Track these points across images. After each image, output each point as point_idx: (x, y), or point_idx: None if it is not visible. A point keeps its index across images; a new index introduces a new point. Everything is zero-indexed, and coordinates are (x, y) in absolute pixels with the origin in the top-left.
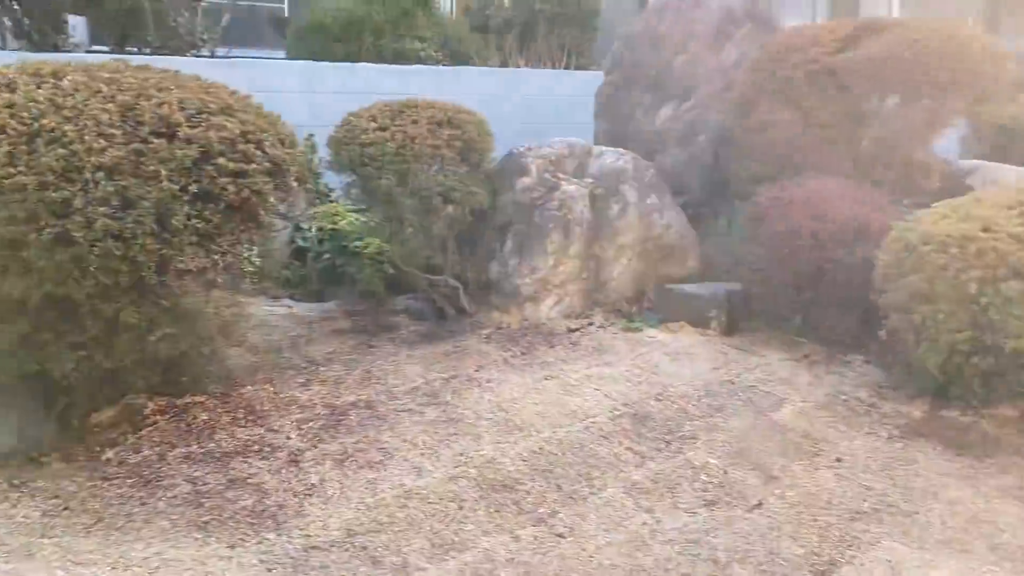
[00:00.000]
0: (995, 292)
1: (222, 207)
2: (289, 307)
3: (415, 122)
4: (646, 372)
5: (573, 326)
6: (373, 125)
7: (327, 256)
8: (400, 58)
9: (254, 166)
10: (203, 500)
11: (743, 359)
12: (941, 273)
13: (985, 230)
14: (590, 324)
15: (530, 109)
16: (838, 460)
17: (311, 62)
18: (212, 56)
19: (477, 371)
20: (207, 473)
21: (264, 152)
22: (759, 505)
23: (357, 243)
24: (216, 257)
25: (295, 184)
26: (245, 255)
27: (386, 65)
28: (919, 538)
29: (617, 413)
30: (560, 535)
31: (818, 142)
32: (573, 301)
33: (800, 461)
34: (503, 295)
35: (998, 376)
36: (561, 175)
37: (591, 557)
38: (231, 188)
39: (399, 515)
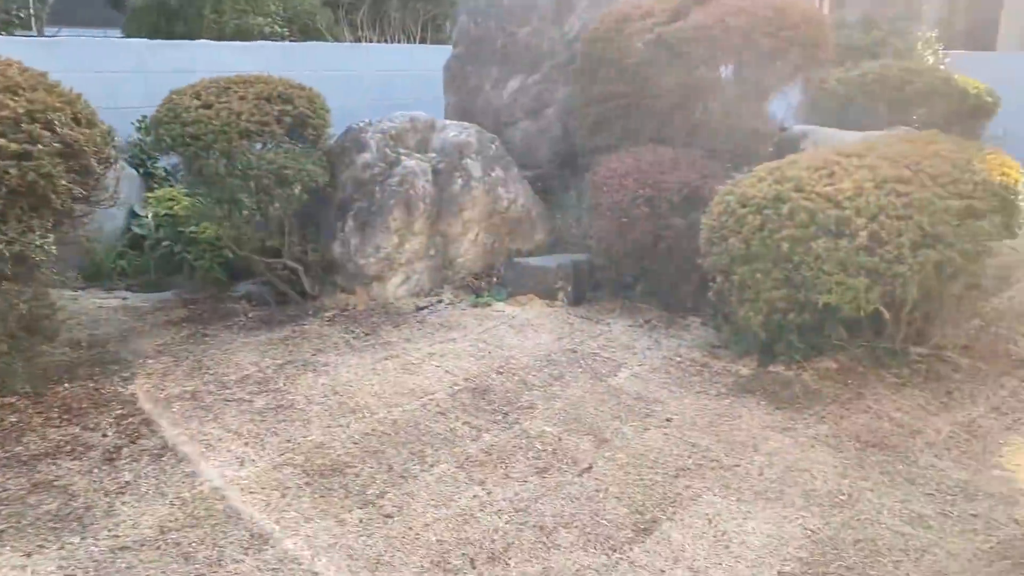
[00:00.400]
0: (806, 250)
1: (4, 192)
2: (124, 299)
3: (242, 98)
4: (490, 346)
5: (421, 304)
6: (196, 103)
7: (165, 243)
8: (243, 35)
9: (40, 147)
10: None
11: (587, 328)
12: (757, 234)
13: (797, 191)
14: (439, 301)
15: (386, 85)
16: (668, 420)
17: (146, 40)
18: (37, 35)
19: (314, 355)
20: (8, 479)
21: (54, 132)
22: (589, 469)
23: (195, 229)
24: (0, 247)
25: (97, 167)
26: (38, 243)
27: (228, 42)
28: (738, 490)
29: (457, 388)
30: (388, 516)
31: (656, 112)
32: (422, 279)
33: (632, 423)
34: (348, 276)
35: (816, 331)
36: (403, 150)
37: (418, 536)
38: (14, 171)
39: (217, 508)
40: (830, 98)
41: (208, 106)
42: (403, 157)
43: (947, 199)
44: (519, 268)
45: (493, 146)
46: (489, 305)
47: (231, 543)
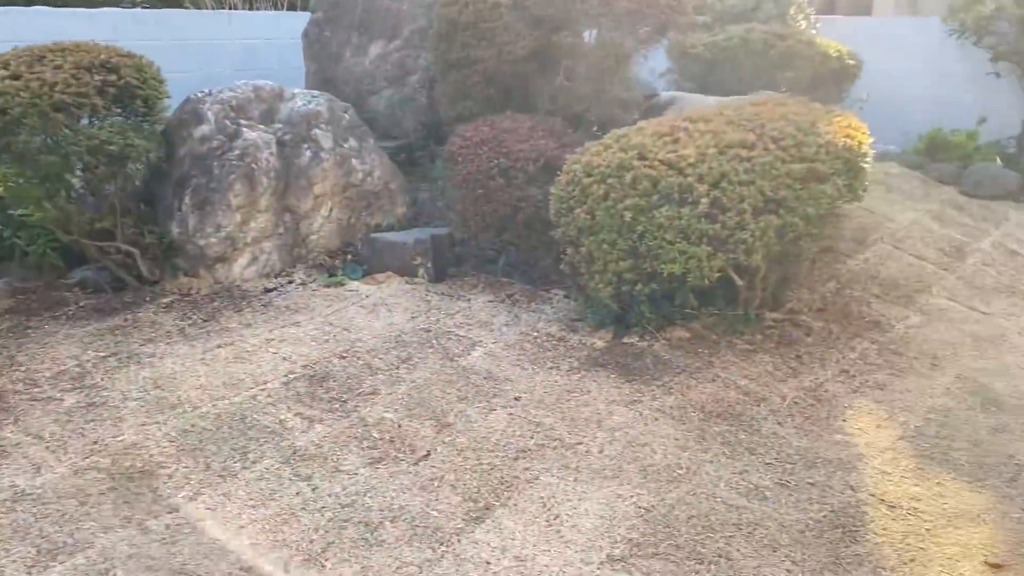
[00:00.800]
0: (649, 220)
1: None
2: None
3: (58, 68)
4: (337, 329)
5: (271, 286)
6: (4, 73)
7: None
8: (90, 2)
9: None
10: None
11: (446, 305)
12: (601, 204)
13: (640, 158)
14: (290, 282)
15: (252, 54)
16: (516, 399)
17: None
18: None
19: (142, 346)
20: None
21: None
22: (426, 456)
23: (25, 211)
24: None
25: None
26: None
27: (72, 9)
28: (576, 469)
29: (293, 376)
30: (199, 520)
31: (515, 78)
32: (272, 259)
33: (478, 404)
34: (189, 258)
35: (667, 301)
36: (244, 121)
37: (230, 540)
38: None
39: (3, 522)
40: (697, 63)
41: (17, 77)
42: (245, 129)
43: (790, 163)
44: (376, 244)
45: (347, 115)
46: (343, 284)
47: (14, 560)
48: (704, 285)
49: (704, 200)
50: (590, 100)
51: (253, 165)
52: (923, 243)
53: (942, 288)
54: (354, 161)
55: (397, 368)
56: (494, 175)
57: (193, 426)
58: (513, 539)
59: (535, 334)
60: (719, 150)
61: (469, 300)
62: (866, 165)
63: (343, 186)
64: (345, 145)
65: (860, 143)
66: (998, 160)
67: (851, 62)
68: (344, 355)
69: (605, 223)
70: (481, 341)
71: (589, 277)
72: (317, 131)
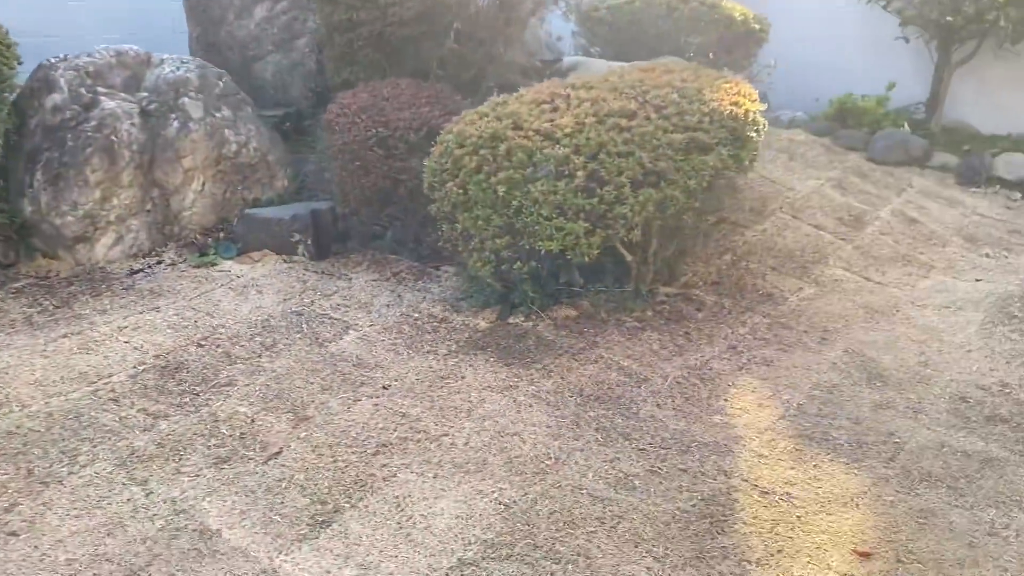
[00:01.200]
0: (524, 194)
1: None
2: None
3: None
4: (199, 314)
5: (137, 267)
6: None
7: None
8: None
9: None
10: None
11: (323, 285)
12: (474, 177)
13: (515, 128)
14: (159, 262)
15: (144, 17)
16: (385, 388)
17: None
18: None
19: None
20: None
21: None
22: (278, 454)
23: None
24: None
25: None
26: None
27: None
28: (438, 464)
29: (143, 368)
30: (12, 533)
31: (404, 42)
32: (139, 238)
33: (343, 394)
34: (46, 238)
35: (553, 278)
36: (103, 89)
37: (44, 556)
38: None
39: None
40: (602, 27)
41: None
42: (103, 98)
43: (671, 132)
44: (251, 221)
45: (220, 83)
46: (214, 265)
47: None
48: (595, 261)
49: (580, 173)
50: (482, 65)
51: (112, 137)
52: (822, 212)
53: (838, 258)
54: (227, 132)
55: (259, 356)
56: (372, 145)
57: (18, 428)
58: (359, 545)
59: (416, 315)
60: (598, 119)
61: (351, 279)
62: (753, 134)
63: (216, 159)
64: (217, 115)
65: (748, 111)
66: (906, 126)
67: (757, 26)
68: (203, 343)
69: (479, 198)
70: (356, 324)
71: (468, 255)
72: (186, 100)
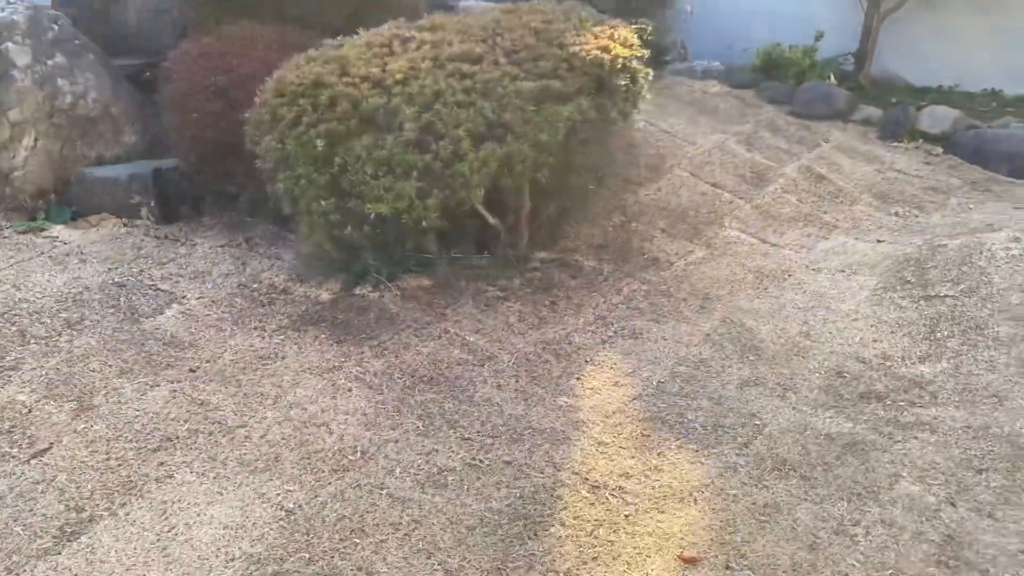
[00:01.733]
0: (347, 150)
1: None
2: None
3: None
4: (5, 286)
5: None
6: None
7: None
8: None
9: None
10: None
11: (161, 253)
12: (292, 131)
13: (342, 74)
14: None
15: None
16: (192, 371)
17: None
18: None
19: None
20: None
21: None
22: (46, 451)
23: None
24: None
25: None
26: None
27: None
28: (224, 462)
29: None
30: None
31: None
32: None
33: (142, 379)
34: None
35: (397, 244)
36: None
37: None
38: None
39: None
40: None
41: None
42: None
43: (520, 80)
44: (88, 181)
45: (55, 26)
46: (43, 230)
47: None
48: (458, 225)
49: (410, 125)
50: (354, 6)
51: None
52: (723, 169)
53: (735, 219)
54: (61, 81)
55: (59, 335)
56: (211, 96)
57: None
58: (104, 562)
59: (255, 285)
60: (437, 64)
61: (195, 245)
62: (623, 83)
63: (48, 111)
64: (49, 62)
65: (617, 56)
66: (832, 77)
67: None
68: None
69: (298, 154)
70: (184, 296)
71: (296, 219)
72: (10, 45)
